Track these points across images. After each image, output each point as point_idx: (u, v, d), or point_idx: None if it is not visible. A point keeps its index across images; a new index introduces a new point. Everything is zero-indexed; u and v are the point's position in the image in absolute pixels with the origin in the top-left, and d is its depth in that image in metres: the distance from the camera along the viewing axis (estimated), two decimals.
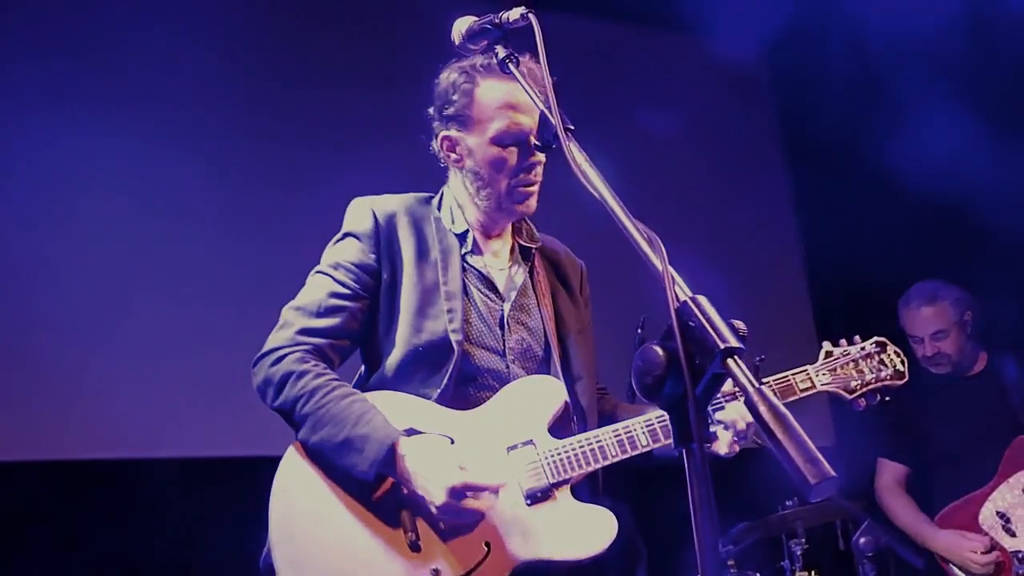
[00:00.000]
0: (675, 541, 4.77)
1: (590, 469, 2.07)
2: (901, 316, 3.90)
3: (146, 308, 4.55)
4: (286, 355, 2.06)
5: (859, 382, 2.27)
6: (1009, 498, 3.61)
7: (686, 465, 1.20)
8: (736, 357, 1.16)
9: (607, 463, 2.08)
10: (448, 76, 2.19)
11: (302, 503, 1.98)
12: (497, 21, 1.80)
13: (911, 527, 3.78)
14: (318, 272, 2.18)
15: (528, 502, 2.02)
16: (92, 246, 4.58)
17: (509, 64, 1.80)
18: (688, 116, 5.99)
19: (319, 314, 2.11)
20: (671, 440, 1.99)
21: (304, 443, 2.01)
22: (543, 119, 1.73)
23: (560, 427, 2.12)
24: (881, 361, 2.31)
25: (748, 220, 6.14)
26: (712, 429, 2.12)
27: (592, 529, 2.02)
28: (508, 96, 2.12)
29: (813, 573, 3.75)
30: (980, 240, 4.33)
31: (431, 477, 1.91)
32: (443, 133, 2.21)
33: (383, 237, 2.17)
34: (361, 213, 2.20)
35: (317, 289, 2.14)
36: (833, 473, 1.02)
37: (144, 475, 4.26)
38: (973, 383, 3.84)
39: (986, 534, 3.58)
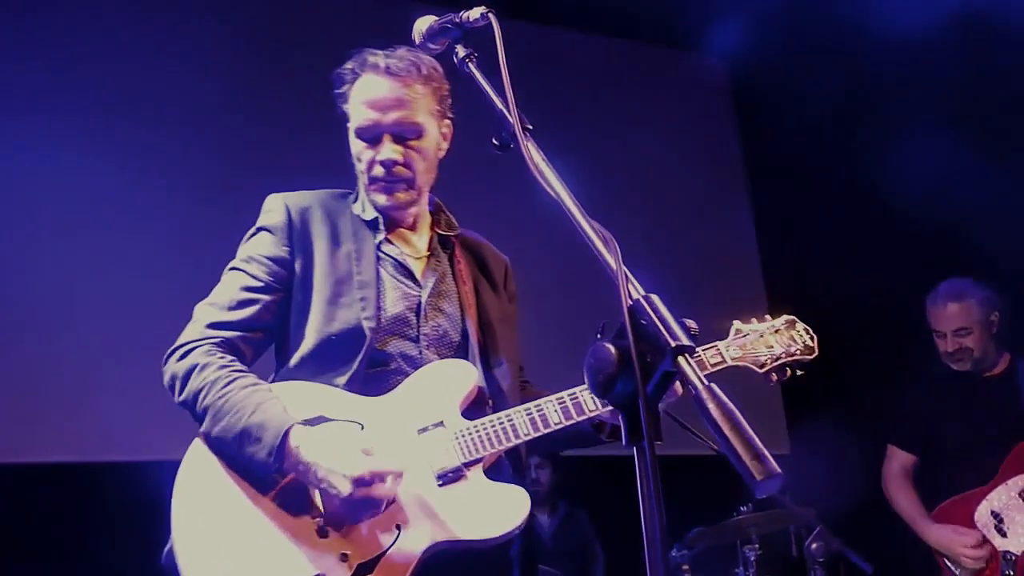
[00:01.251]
0: (633, 545, 4.83)
1: (502, 448, 2.05)
2: (928, 311, 3.95)
3: (125, 312, 4.51)
4: (193, 349, 2.05)
5: (769, 357, 2.26)
6: (1005, 499, 3.68)
7: (636, 462, 1.21)
8: (687, 355, 1.17)
9: (519, 441, 2.06)
10: (339, 72, 2.23)
11: (204, 498, 1.95)
12: (457, 20, 1.80)
13: (908, 518, 3.88)
14: (231, 268, 2.18)
15: (439, 483, 2.00)
16: (77, 251, 4.54)
17: (469, 63, 1.80)
18: (653, 134, 6.06)
19: (230, 308, 2.11)
20: (583, 417, 2.09)
21: (206, 436, 2.00)
22: (501, 119, 1.73)
23: (475, 411, 2.11)
24: (791, 337, 2.31)
25: (710, 237, 6.19)
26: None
27: (504, 508, 2.00)
28: (368, 92, 2.15)
29: None
30: (952, 259, 4.39)
31: (334, 467, 1.88)
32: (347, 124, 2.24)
33: (296, 230, 2.17)
34: (274, 207, 2.21)
35: (229, 284, 2.15)
36: (779, 470, 1.04)
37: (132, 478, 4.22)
38: (991, 383, 3.89)
39: (980, 531, 3.66)
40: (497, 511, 1.99)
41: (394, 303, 2.16)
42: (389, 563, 1.90)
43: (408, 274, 2.21)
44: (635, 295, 1.26)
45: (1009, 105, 5.11)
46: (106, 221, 4.67)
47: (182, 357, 2.05)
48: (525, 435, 2.05)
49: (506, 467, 2.13)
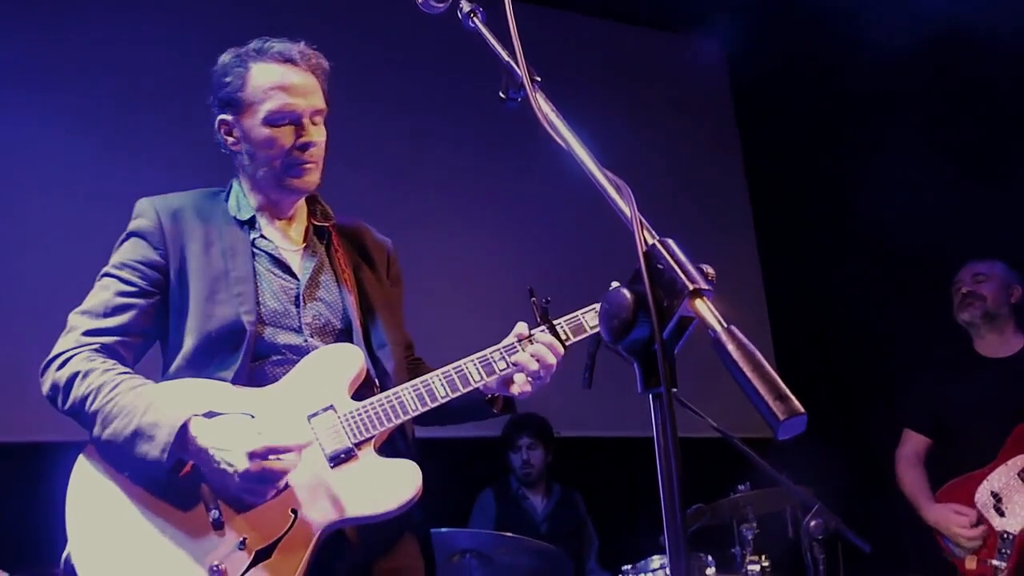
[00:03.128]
0: (627, 528, 4.82)
1: (392, 425, 2.08)
2: (956, 276, 4.03)
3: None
4: (72, 357, 2.04)
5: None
6: (1004, 480, 3.72)
7: (652, 410, 1.18)
8: (705, 298, 1.14)
9: (407, 417, 2.09)
10: (222, 61, 2.22)
11: (98, 504, 1.96)
12: None
13: (911, 498, 3.94)
14: (103, 275, 2.16)
15: (331, 465, 2.03)
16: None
17: (474, 18, 1.76)
18: (650, 121, 6.05)
19: (106, 314, 2.10)
20: (468, 388, 2.12)
21: (96, 442, 2.00)
22: (509, 70, 1.70)
23: (363, 393, 2.13)
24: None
25: (710, 239, 6.18)
26: (506, 371, 2.16)
27: (396, 482, 2.03)
28: (281, 78, 2.16)
29: (763, 558, 3.77)
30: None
31: (230, 446, 1.91)
32: (220, 118, 2.23)
33: (168, 233, 2.16)
34: (144, 212, 2.20)
35: (103, 291, 2.13)
36: (802, 410, 1.01)
37: None
38: (1003, 365, 3.92)
39: (978, 511, 3.67)
40: (389, 487, 2.02)
41: (273, 296, 2.17)
42: (287, 546, 1.93)
43: (284, 267, 2.22)
44: (650, 240, 1.23)
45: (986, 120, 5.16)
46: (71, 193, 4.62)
47: (61, 366, 2.03)
48: (413, 410, 2.09)
49: (400, 443, 2.16)
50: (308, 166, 2.20)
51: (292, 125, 2.17)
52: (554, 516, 4.95)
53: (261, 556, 1.92)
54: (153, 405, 1.95)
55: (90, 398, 1.98)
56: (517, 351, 2.18)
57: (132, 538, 1.93)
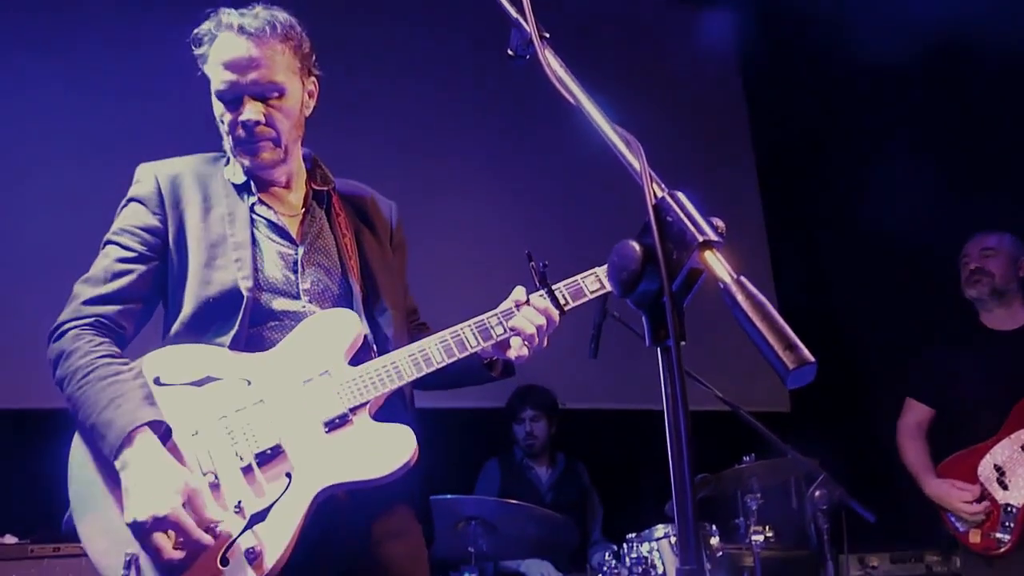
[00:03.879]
0: (631, 498, 4.84)
1: (387, 390, 2.08)
2: (963, 250, 4.01)
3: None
4: (66, 331, 2.06)
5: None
6: (1007, 453, 3.72)
7: (661, 363, 1.17)
8: (714, 249, 1.14)
9: (403, 383, 2.09)
10: (199, 31, 2.19)
11: (96, 468, 1.98)
12: None
13: (913, 470, 3.94)
14: (106, 242, 2.17)
15: (327, 430, 2.03)
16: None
17: None
18: (659, 93, 6.02)
19: (106, 281, 2.10)
20: (465, 353, 2.11)
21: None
22: (517, 27, 1.68)
23: (361, 358, 2.12)
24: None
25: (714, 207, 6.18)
26: (503, 336, 2.15)
27: (390, 447, 2.02)
28: (225, 53, 2.12)
29: (767, 528, 3.78)
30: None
31: (145, 497, 1.86)
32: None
33: (167, 198, 2.16)
34: (144, 178, 2.20)
35: (103, 258, 2.14)
36: (812, 359, 1.00)
37: None
38: (1009, 338, 3.91)
39: (981, 485, 3.67)
40: (384, 451, 2.01)
41: (271, 263, 2.16)
42: (282, 510, 1.94)
43: (283, 233, 2.21)
44: (660, 193, 1.22)
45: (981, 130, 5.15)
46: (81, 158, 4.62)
47: (57, 338, 2.07)
48: (409, 376, 2.08)
49: (399, 410, 2.15)
50: (261, 144, 2.15)
51: (233, 103, 2.14)
52: (558, 486, 4.97)
53: (256, 519, 1.94)
54: (114, 401, 1.94)
55: (66, 381, 2.02)
56: (514, 315, 2.17)
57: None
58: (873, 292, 6.10)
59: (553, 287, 2.21)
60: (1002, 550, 3.66)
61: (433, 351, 2.11)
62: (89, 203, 4.47)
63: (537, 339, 2.16)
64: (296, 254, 2.19)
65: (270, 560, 1.90)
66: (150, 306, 2.18)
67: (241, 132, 2.14)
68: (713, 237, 1.14)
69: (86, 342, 2.03)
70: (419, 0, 5.66)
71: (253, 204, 2.21)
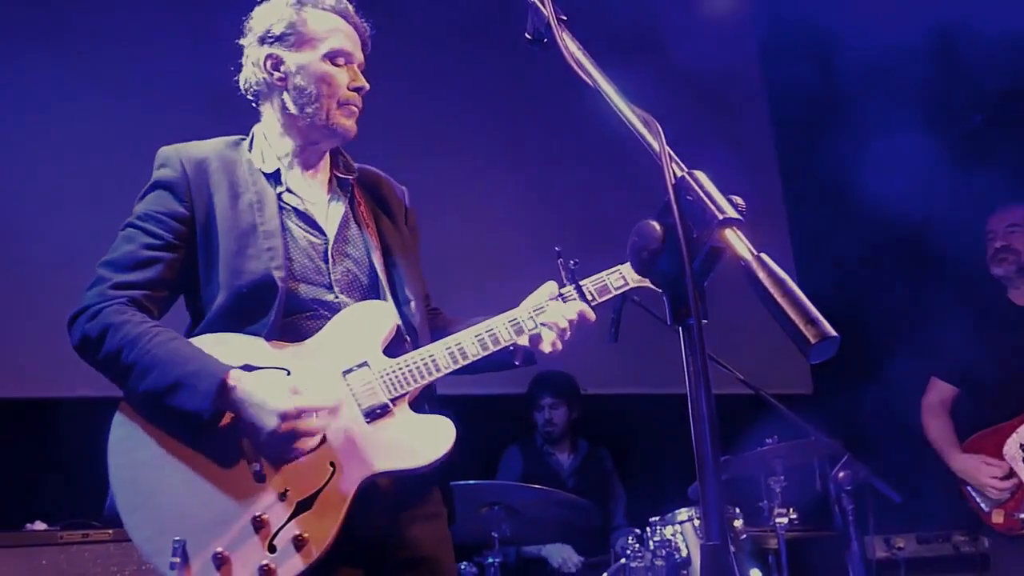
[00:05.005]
0: (654, 483, 4.85)
1: (425, 382, 2.11)
2: (987, 223, 3.98)
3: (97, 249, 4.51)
4: (102, 309, 2.02)
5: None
6: None
7: (683, 341, 1.18)
8: (735, 228, 1.14)
9: (440, 375, 2.13)
10: (275, 4, 2.24)
11: (139, 452, 1.98)
12: None
13: (937, 446, 3.93)
14: (128, 225, 2.13)
15: (367, 420, 2.05)
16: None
17: None
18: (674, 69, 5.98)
19: (133, 267, 2.08)
20: (498, 347, 2.16)
21: (132, 393, 2.00)
22: (534, 11, 1.69)
23: (394, 348, 2.15)
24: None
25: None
26: (535, 331, 2.19)
27: (432, 437, 2.07)
28: (340, 23, 2.23)
29: (791, 510, 3.77)
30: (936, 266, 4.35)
31: (262, 403, 1.92)
32: (268, 52, 2.20)
33: (193, 184, 2.14)
34: (168, 162, 2.17)
35: (127, 243, 2.11)
36: (834, 333, 1.01)
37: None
38: None
39: (1007, 462, 3.66)
40: (425, 441, 2.06)
41: (301, 252, 2.16)
42: (326, 498, 1.96)
43: (312, 223, 2.21)
44: (679, 173, 1.22)
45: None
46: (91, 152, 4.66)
47: (91, 318, 2.02)
48: (446, 368, 2.12)
49: (425, 398, 2.18)
50: (355, 109, 2.23)
51: (348, 67, 2.22)
52: (580, 472, 4.98)
53: (301, 507, 1.95)
54: (193, 356, 1.97)
55: (125, 350, 1.97)
56: (545, 311, 2.21)
57: (175, 488, 1.95)
58: (896, 269, 6.05)
59: (581, 283, 2.26)
60: None
61: (468, 345, 2.15)
62: (87, 197, 4.56)
63: (569, 333, 2.20)
64: (325, 243, 2.19)
65: (316, 548, 1.92)
66: (174, 295, 2.17)
67: (352, 96, 2.21)
68: (733, 215, 1.14)
69: (131, 314, 2.02)
70: None
71: (281, 192, 2.20)
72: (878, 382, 5.90)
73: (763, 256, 1.10)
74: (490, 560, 3.85)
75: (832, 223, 6.30)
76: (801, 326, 1.01)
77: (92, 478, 4.30)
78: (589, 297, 2.26)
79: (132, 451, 1.98)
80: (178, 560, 1.85)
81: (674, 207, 1.17)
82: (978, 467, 3.74)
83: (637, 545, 3.69)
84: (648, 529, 3.75)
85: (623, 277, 2.30)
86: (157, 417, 1.99)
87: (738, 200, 1.18)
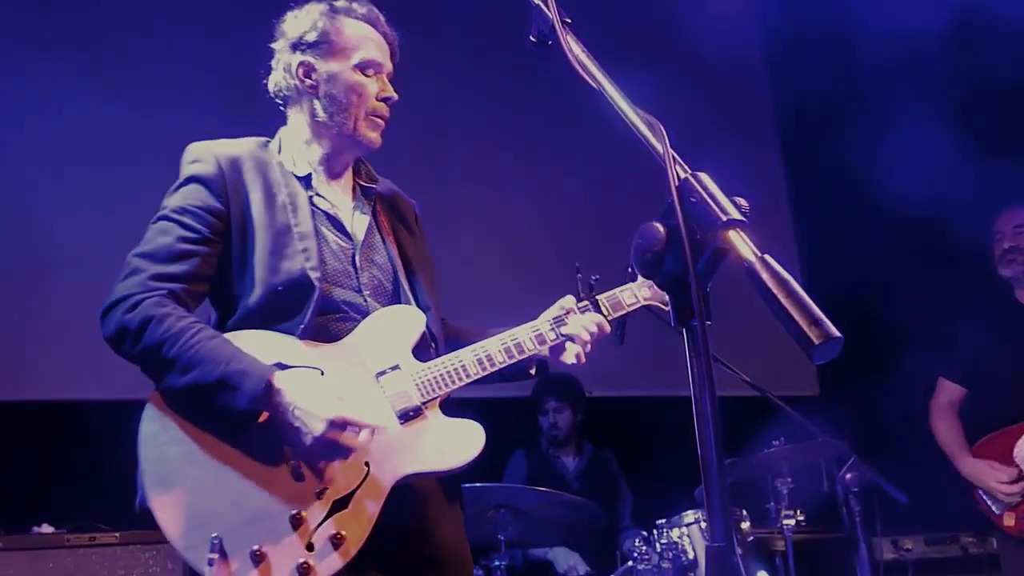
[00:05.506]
0: (661, 485, 4.84)
1: (455, 387, 2.17)
2: (994, 224, 3.97)
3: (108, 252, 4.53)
4: (142, 300, 2.00)
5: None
6: None
7: (686, 343, 1.18)
8: (738, 229, 1.14)
9: (469, 380, 2.19)
10: (309, 11, 2.27)
11: (173, 446, 1.96)
12: None
13: (947, 450, 3.91)
14: (161, 218, 2.12)
15: (401, 422, 2.09)
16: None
17: None
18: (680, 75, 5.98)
19: (171, 259, 2.06)
20: (523, 356, 2.23)
21: (170, 388, 1.98)
22: (538, 14, 1.69)
23: (420, 352, 2.20)
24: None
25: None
26: (556, 342, 2.29)
27: (464, 439, 2.12)
28: (371, 33, 2.27)
29: (798, 512, 3.77)
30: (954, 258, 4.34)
31: (312, 409, 1.93)
32: (300, 59, 2.23)
33: (229, 181, 2.14)
34: (203, 158, 2.17)
35: (163, 235, 2.09)
36: (837, 333, 1.01)
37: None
38: None
39: (1017, 466, 3.64)
40: (457, 443, 2.11)
41: (333, 255, 2.20)
42: (362, 497, 1.99)
43: (341, 227, 2.25)
44: (683, 175, 1.23)
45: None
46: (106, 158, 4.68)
47: (131, 308, 1.99)
48: (475, 374, 2.19)
49: (449, 403, 2.22)
50: (381, 122, 2.27)
51: (378, 77, 2.25)
52: (585, 474, 4.98)
53: (338, 506, 1.97)
54: (236, 356, 1.96)
55: (167, 344, 1.95)
56: (565, 323, 2.30)
57: (212, 484, 1.93)
58: (902, 270, 6.03)
59: (598, 298, 2.37)
60: None
61: (495, 352, 2.22)
62: (92, 201, 4.59)
63: (591, 345, 2.31)
64: (353, 248, 2.24)
65: (353, 546, 1.95)
66: (209, 288, 2.15)
67: (380, 106, 2.25)
68: (737, 216, 1.15)
69: (173, 308, 2.01)
70: None
71: (312, 196, 2.23)
72: (885, 383, 5.90)
73: (766, 257, 1.10)
74: (496, 563, 3.85)
75: (839, 224, 6.29)
76: (805, 327, 1.02)
77: (99, 481, 4.31)
78: (605, 312, 2.36)
79: (165, 445, 1.96)
80: (215, 556, 1.84)
81: (677, 208, 1.17)
82: (986, 471, 3.72)
83: (644, 547, 3.69)
84: (655, 531, 3.75)
85: (634, 295, 2.42)
86: (194, 412, 1.98)
87: (742, 202, 1.18)
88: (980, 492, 3.78)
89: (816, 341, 1.01)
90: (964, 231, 4.35)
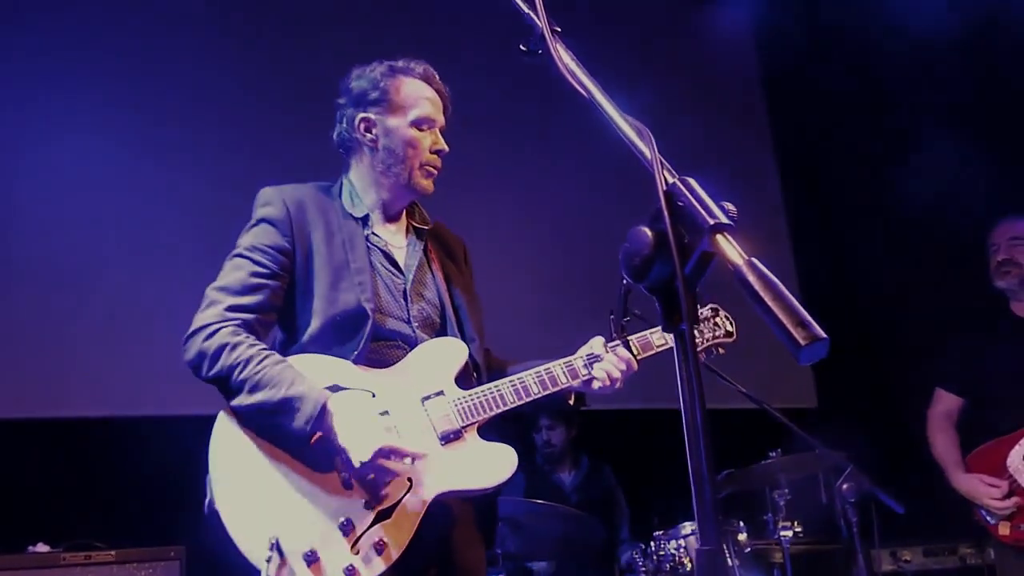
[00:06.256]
0: (658, 498, 4.83)
1: (493, 413, 2.37)
2: (990, 236, 3.98)
3: (123, 267, 4.53)
4: (219, 329, 2.24)
5: (699, 339, 2.66)
6: None
7: (675, 347, 1.18)
8: (725, 233, 1.14)
9: (506, 408, 2.38)
10: (372, 70, 2.51)
11: (240, 456, 2.20)
12: None
13: (942, 463, 3.92)
14: (236, 256, 2.37)
15: (442, 443, 2.30)
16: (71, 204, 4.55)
17: None
18: (677, 87, 6.01)
19: (243, 292, 2.31)
20: (556, 388, 2.41)
21: (239, 406, 2.21)
22: (529, 23, 1.71)
23: (463, 381, 2.41)
24: (715, 323, 2.70)
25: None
26: (587, 377, 2.48)
27: (498, 462, 2.33)
28: (427, 90, 2.50)
29: (796, 523, 3.76)
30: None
31: (360, 437, 2.16)
32: (362, 115, 2.48)
33: (295, 222, 2.40)
34: (272, 201, 2.43)
35: (238, 270, 2.34)
36: (824, 335, 1.01)
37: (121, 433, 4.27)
38: None
39: (1010, 476, 3.64)
40: (493, 464, 2.33)
41: (385, 288, 2.43)
42: (404, 510, 2.21)
43: (393, 263, 2.48)
44: (671, 180, 1.23)
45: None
46: (134, 184, 4.70)
47: (209, 336, 2.23)
48: (512, 403, 2.39)
49: (490, 427, 2.43)
50: (434, 171, 2.50)
51: (431, 132, 2.48)
52: (583, 488, 4.97)
53: (382, 516, 2.18)
54: (297, 380, 2.19)
55: (239, 367, 2.19)
56: (601, 360, 2.50)
57: (272, 490, 2.16)
58: (900, 282, 6.05)
59: (628, 339, 2.58)
60: None
61: (531, 383, 2.43)
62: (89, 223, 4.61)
63: (620, 383, 2.51)
64: (404, 283, 2.46)
65: (395, 553, 2.16)
66: (276, 318, 2.40)
67: (433, 158, 2.49)
68: (724, 220, 1.15)
69: (245, 336, 2.25)
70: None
71: (368, 234, 2.47)
72: (883, 395, 5.90)
73: (754, 260, 1.10)
74: None
75: (837, 237, 6.31)
76: (791, 328, 1.02)
77: (95, 499, 4.29)
78: (635, 352, 2.57)
79: (232, 455, 2.20)
80: (274, 555, 2.05)
81: (665, 213, 1.18)
82: (978, 487, 3.74)
83: (642, 560, 3.68)
84: (652, 543, 3.74)
85: (663, 337, 2.60)
86: (258, 427, 2.22)
87: (729, 206, 1.18)
88: (976, 506, 3.78)
89: (803, 343, 1.01)
90: (961, 242, 4.36)
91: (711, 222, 1.14)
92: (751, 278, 1.08)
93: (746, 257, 1.11)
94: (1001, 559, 3.81)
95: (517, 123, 5.67)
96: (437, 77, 2.54)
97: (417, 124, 2.46)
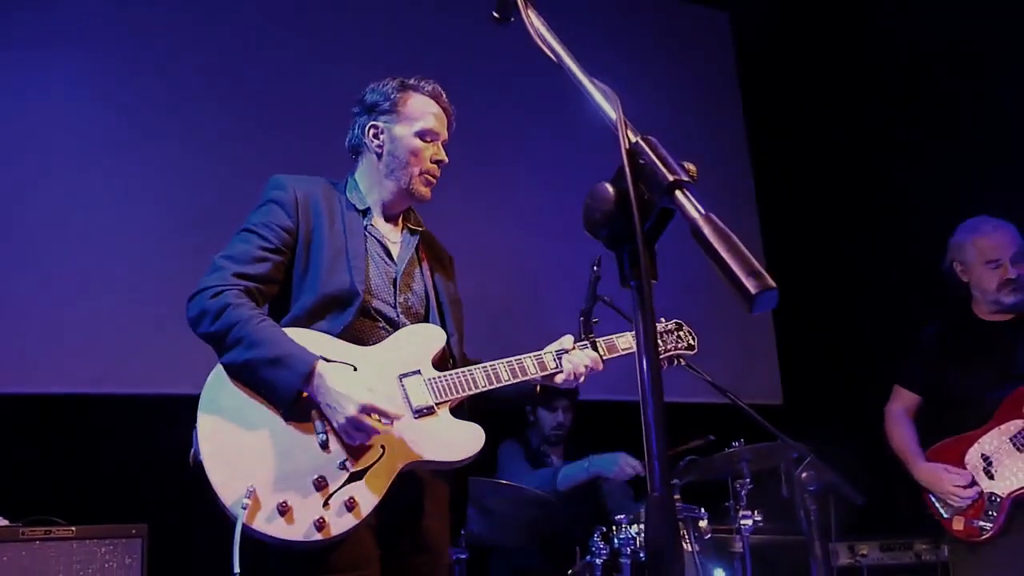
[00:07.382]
0: (636, 489, 4.84)
1: (464, 395, 2.54)
2: (967, 246, 3.92)
3: (88, 244, 4.50)
4: (223, 291, 2.42)
5: (662, 349, 2.94)
6: (996, 443, 3.71)
7: (633, 301, 1.21)
8: (684, 189, 1.17)
9: (476, 391, 2.56)
10: (385, 85, 2.74)
11: (226, 412, 2.34)
12: None
13: (901, 454, 3.93)
14: (244, 230, 2.57)
15: (415, 416, 2.47)
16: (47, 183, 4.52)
17: None
18: (655, 86, 6.05)
19: (249, 262, 2.50)
20: (525, 378, 2.58)
21: (234, 361, 2.37)
22: None
23: (440, 365, 2.58)
24: (678, 336, 2.99)
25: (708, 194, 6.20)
26: (556, 370, 2.66)
27: (466, 438, 2.50)
28: (433, 106, 2.73)
29: (756, 512, 3.80)
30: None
31: (347, 394, 2.32)
32: (372, 123, 2.71)
33: (300, 206, 2.60)
34: (281, 186, 2.63)
35: (245, 243, 2.54)
36: (774, 285, 1.04)
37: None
38: (1000, 328, 3.88)
39: (969, 472, 3.70)
40: (461, 441, 2.49)
41: (377, 274, 2.62)
42: (375, 474, 2.37)
43: (387, 252, 2.68)
44: (634, 138, 1.26)
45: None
46: (118, 156, 4.67)
47: (214, 296, 2.41)
48: (482, 387, 2.57)
49: (464, 411, 2.60)
50: (433, 180, 2.71)
51: (434, 144, 2.70)
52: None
53: (354, 477, 2.34)
54: (292, 342, 2.37)
55: (238, 325, 2.36)
56: (569, 355, 2.70)
57: (253, 445, 2.30)
58: (866, 283, 6.12)
59: (595, 340, 2.77)
60: (984, 537, 3.67)
61: (501, 370, 2.60)
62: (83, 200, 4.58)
63: (584, 378, 2.72)
64: (395, 272, 2.66)
65: (364, 511, 2.32)
66: (276, 290, 2.56)
67: (433, 168, 2.70)
68: (683, 177, 1.18)
69: (247, 299, 2.44)
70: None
71: (367, 225, 2.67)
72: (848, 393, 5.97)
73: (711, 215, 1.13)
74: (455, 557, 3.85)
75: (805, 234, 6.36)
76: (743, 277, 1.04)
77: (56, 475, 4.25)
78: (601, 352, 2.77)
79: (220, 409, 2.34)
80: (248, 502, 2.21)
81: (627, 169, 1.20)
82: (941, 476, 3.75)
83: (602, 543, 3.70)
84: (614, 527, 3.76)
85: (629, 342, 2.82)
86: (248, 384, 2.37)
87: (690, 166, 1.21)
88: (930, 496, 3.82)
89: (754, 291, 1.03)
90: (925, 242, 4.41)
91: (670, 178, 1.17)
92: (707, 231, 1.10)
93: (703, 211, 1.14)
94: (954, 554, 3.86)
95: (492, 122, 5.69)
96: (444, 96, 2.77)
97: (421, 135, 2.68)
